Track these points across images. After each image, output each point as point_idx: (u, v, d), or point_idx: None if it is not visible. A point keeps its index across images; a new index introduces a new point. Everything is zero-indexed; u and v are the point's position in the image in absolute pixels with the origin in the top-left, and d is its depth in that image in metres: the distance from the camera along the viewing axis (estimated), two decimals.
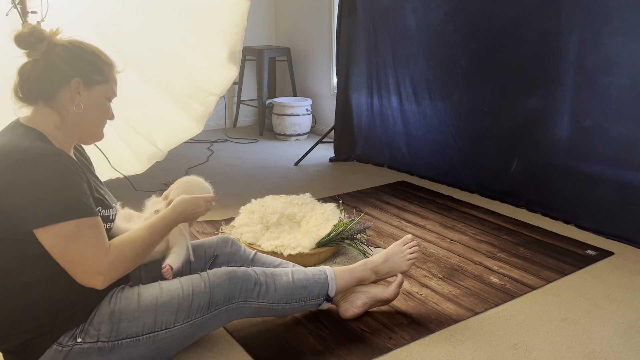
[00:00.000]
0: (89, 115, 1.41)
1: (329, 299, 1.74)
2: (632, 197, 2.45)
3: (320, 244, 2.20)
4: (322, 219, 2.40)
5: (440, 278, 2.14)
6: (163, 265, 1.57)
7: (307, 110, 4.55)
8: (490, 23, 2.92)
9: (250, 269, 1.63)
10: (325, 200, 2.93)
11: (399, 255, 1.86)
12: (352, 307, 1.81)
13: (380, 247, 2.41)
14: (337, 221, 2.34)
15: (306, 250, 2.15)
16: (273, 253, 2.11)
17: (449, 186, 3.31)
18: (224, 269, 1.58)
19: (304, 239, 2.20)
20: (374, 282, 1.87)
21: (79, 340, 1.36)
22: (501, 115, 2.97)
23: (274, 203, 2.54)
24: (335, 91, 3.93)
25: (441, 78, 3.22)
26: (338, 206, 2.53)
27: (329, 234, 2.23)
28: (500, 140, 3.00)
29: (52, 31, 1.39)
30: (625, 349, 1.69)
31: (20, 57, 1.39)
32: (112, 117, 1.47)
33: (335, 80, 4.20)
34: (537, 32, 2.70)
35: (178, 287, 1.50)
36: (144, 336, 1.42)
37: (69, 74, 1.37)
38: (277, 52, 4.77)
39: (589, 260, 2.30)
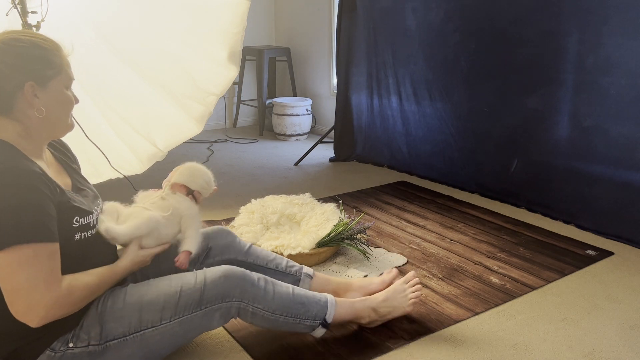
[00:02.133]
0: (53, 114, 1.30)
1: (325, 324, 1.62)
2: (632, 197, 2.45)
3: (320, 244, 2.20)
4: (322, 219, 2.41)
5: (440, 278, 2.14)
6: (176, 258, 1.49)
7: (307, 110, 4.55)
8: (490, 23, 2.92)
9: (251, 272, 1.56)
10: (325, 200, 2.93)
11: (401, 294, 1.77)
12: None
13: (380, 247, 2.41)
14: (337, 221, 2.34)
15: (306, 250, 2.15)
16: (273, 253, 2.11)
17: (449, 186, 3.31)
18: (222, 266, 1.52)
19: (304, 239, 2.20)
20: (373, 322, 1.75)
21: (71, 345, 1.33)
22: (501, 115, 2.97)
23: (274, 203, 2.54)
24: (335, 91, 3.93)
25: (441, 78, 3.22)
26: (338, 206, 2.53)
27: (329, 234, 2.23)
28: (500, 140, 3.00)
29: None
30: (625, 349, 1.69)
31: None
32: (77, 101, 1.37)
33: (335, 80, 4.20)
34: (537, 32, 2.70)
35: (166, 283, 1.44)
36: (131, 336, 1.37)
37: (19, 80, 1.23)
38: (277, 52, 4.77)
39: (589, 260, 2.30)
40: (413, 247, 2.44)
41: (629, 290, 2.06)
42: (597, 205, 2.59)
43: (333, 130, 3.95)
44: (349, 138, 3.89)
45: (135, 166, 2.94)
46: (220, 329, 1.76)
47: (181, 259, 1.49)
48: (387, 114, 3.62)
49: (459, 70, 3.11)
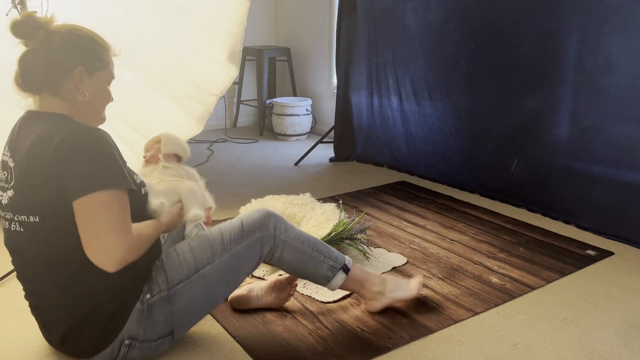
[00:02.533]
0: (93, 102, 1.45)
1: (345, 269, 1.74)
2: (632, 197, 2.45)
3: None
4: (322, 219, 2.40)
5: (440, 278, 2.14)
6: (205, 218, 1.65)
7: (307, 110, 4.55)
8: (490, 23, 2.92)
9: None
10: (325, 200, 2.93)
11: (406, 279, 1.96)
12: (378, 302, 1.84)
13: (380, 247, 2.41)
14: (337, 221, 2.34)
15: None
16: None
17: (449, 186, 3.31)
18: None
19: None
20: (376, 297, 1.83)
21: (148, 297, 1.48)
22: (501, 115, 2.97)
23: (274, 203, 2.54)
24: (335, 91, 3.93)
25: (441, 78, 3.22)
26: (338, 206, 2.53)
27: (329, 234, 2.22)
28: (500, 140, 3.00)
29: (46, 18, 1.39)
30: (625, 349, 1.69)
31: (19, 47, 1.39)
32: (112, 99, 1.51)
33: (335, 80, 4.20)
34: (537, 32, 2.70)
35: (206, 232, 1.62)
36: (193, 276, 1.52)
37: (72, 63, 1.39)
38: (277, 52, 4.77)
39: (589, 260, 2.30)
40: (413, 247, 2.44)
41: (629, 290, 2.06)
42: (597, 205, 2.59)
43: (333, 130, 3.95)
44: (349, 138, 3.89)
45: (135, 166, 2.93)
46: (221, 329, 1.77)
47: (207, 217, 1.68)
48: (387, 114, 3.62)
49: (459, 70, 3.11)
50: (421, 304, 1.93)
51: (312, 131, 4.72)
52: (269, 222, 1.64)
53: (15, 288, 2.05)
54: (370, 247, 2.35)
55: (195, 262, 1.53)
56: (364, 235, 2.31)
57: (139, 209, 1.44)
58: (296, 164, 3.85)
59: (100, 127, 1.46)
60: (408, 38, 3.34)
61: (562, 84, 2.65)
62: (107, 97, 1.50)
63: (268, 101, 4.77)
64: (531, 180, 2.88)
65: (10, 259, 1.48)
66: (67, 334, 1.46)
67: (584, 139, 2.62)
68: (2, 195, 1.42)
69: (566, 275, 2.17)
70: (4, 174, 1.41)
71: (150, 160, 1.73)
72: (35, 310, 1.54)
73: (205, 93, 2.83)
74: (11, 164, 1.39)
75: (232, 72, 2.80)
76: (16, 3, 2.12)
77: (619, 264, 2.28)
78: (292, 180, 3.48)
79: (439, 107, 3.26)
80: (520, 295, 2.01)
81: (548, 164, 2.79)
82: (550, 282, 2.11)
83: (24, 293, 1.52)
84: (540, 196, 2.84)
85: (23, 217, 1.36)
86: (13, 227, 1.40)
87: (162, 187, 1.57)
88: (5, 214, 1.42)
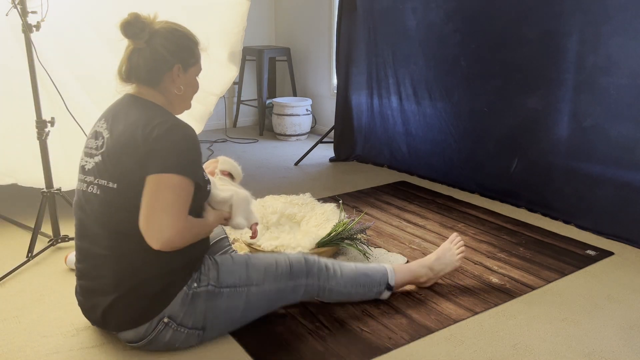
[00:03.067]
0: (186, 93, 1.65)
1: (389, 287, 1.90)
2: (632, 197, 2.45)
3: (320, 244, 2.20)
4: (322, 219, 2.41)
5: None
6: (252, 233, 1.80)
7: (307, 110, 4.55)
8: (490, 23, 2.92)
9: (319, 258, 1.82)
10: (325, 200, 2.93)
11: (449, 252, 2.05)
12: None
13: (380, 247, 2.41)
14: (337, 221, 2.34)
15: (306, 250, 2.15)
16: (273, 253, 2.11)
17: (449, 186, 3.31)
18: (297, 252, 1.82)
19: (304, 239, 2.20)
20: (430, 280, 2.02)
21: (195, 285, 1.58)
22: (501, 115, 2.97)
23: (274, 203, 2.54)
24: (335, 91, 3.93)
25: (441, 78, 3.22)
26: (338, 206, 2.53)
27: (329, 234, 2.23)
28: (500, 140, 3.00)
29: (150, 18, 1.57)
30: (625, 349, 1.69)
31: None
32: (198, 89, 1.69)
33: (335, 80, 4.20)
34: (537, 32, 2.70)
35: (262, 254, 1.75)
36: (240, 288, 1.64)
37: (171, 62, 1.58)
38: (277, 52, 4.77)
39: (589, 260, 2.30)
40: (413, 247, 2.44)
41: (629, 290, 2.06)
42: (597, 205, 2.59)
43: (333, 130, 3.95)
44: (349, 138, 3.89)
45: None
46: None
47: (254, 230, 1.81)
48: (387, 114, 3.62)
49: (459, 70, 3.11)
50: (421, 303, 1.93)
51: (312, 131, 4.72)
52: (313, 272, 1.76)
53: (15, 288, 2.06)
54: (370, 247, 2.35)
55: (247, 277, 1.66)
56: (364, 235, 2.31)
57: (201, 202, 1.61)
58: (296, 164, 3.85)
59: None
60: (408, 38, 3.34)
61: (562, 84, 2.65)
62: (196, 88, 1.68)
63: (268, 101, 4.77)
64: (531, 180, 2.88)
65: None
66: (113, 304, 1.54)
67: (584, 139, 2.62)
68: (87, 161, 1.58)
69: (566, 275, 2.17)
70: (96, 143, 1.57)
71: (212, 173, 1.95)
72: (85, 276, 1.61)
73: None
74: (105, 135, 1.55)
75: (232, 72, 2.80)
76: (16, 3, 2.12)
77: (619, 264, 2.28)
78: (292, 180, 3.48)
79: (439, 107, 3.26)
80: (520, 295, 2.01)
81: (548, 164, 2.79)
82: (550, 282, 2.11)
83: (76, 259, 1.64)
84: (540, 196, 2.84)
85: (104, 181, 1.51)
86: (90, 189, 1.55)
87: (221, 188, 1.75)
88: (85, 177, 1.57)
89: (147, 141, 1.46)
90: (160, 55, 1.56)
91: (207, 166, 1.89)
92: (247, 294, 1.65)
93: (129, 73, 1.58)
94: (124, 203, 1.49)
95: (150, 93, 1.59)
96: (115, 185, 1.49)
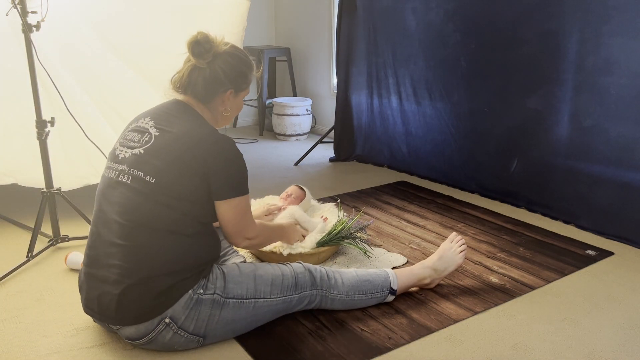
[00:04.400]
0: (231, 114, 1.76)
1: (392, 291, 1.91)
2: (632, 197, 2.45)
3: (320, 243, 2.20)
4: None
5: None
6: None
7: (307, 110, 4.55)
8: (490, 23, 2.92)
9: (321, 267, 1.86)
10: (324, 200, 2.93)
11: (450, 250, 2.04)
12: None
13: (380, 247, 2.41)
14: (336, 220, 2.34)
15: (306, 250, 2.15)
16: (272, 253, 2.11)
17: (449, 186, 3.31)
18: (299, 262, 1.84)
19: (304, 239, 2.20)
20: (434, 281, 2.02)
21: (201, 291, 1.60)
22: (501, 115, 2.97)
23: (273, 203, 2.53)
24: (335, 91, 3.93)
25: (441, 78, 3.22)
26: (336, 205, 2.53)
27: (328, 234, 2.22)
28: (500, 140, 3.00)
29: (217, 40, 1.65)
30: (625, 349, 1.69)
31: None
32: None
33: (335, 80, 4.20)
34: (537, 32, 2.70)
35: (269, 265, 1.78)
36: (247, 300, 1.66)
37: (227, 87, 1.68)
38: (277, 52, 4.77)
39: (589, 260, 2.30)
40: (413, 247, 2.44)
41: (629, 290, 2.06)
42: (597, 205, 2.59)
43: (333, 130, 3.95)
44: (349, 138, 3.89)
45: None
46: None
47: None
48: (387, 114, 3.62)
49: (459, 70, 3.11)
50: (421, 303, 1.93)
51: (312, 131, 4.72)
52: (317, 283, 1.80)
53: (15, 288, 2.06)
54: (370, 246, 2.35)
55: (255, 290, 1.68)
56: (364, 234, 2.30)
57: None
58: (296, 164, 3.85)
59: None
60: (408, 38, 3.34)
61: (562, 84, 2.65)
62: (240, 109, 1.79)
63: (268, 101, 4.77)
64: (531, 180, 2.88)
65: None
66: (118, 295, 1.54)
67: (584, 139, 2.62)
68: (124, 151, 1.62)
69: (566, 275, 2.17)
70: (138, 136, 1.62)
71: (292, 200, 2.47)
72: (95, 263, 1.60)
73: None
74: (153, 132, 1.60)
75: None
76: (16, 3, 2.12)
77: (619, 264, 2.28)
78: (292, 180, 3.48)
79: (439, 107, 3.26)
80: (520, 295, 2.01)
81: (548, 164, 2.79)
82: (550, 282, 2.11)
83: (86, 246, 1.66)
84: (540, 196, 2.84)
85: (140, 173, 1.56)
86: (121, 178, 1.58)
87: (313, 220, 2.25)
88: (118, 166, 1.61)
89: (207, 160, 1.56)
90: (218, 79, 1.65)
91: (291, 192, 2.48)
92: (255, 307, 1.68)
93: (186, 87, 1.67)
94: (153, 198, 1.54)
95: (200, 107, 1.68)
96: (153, 180, 1.54)
